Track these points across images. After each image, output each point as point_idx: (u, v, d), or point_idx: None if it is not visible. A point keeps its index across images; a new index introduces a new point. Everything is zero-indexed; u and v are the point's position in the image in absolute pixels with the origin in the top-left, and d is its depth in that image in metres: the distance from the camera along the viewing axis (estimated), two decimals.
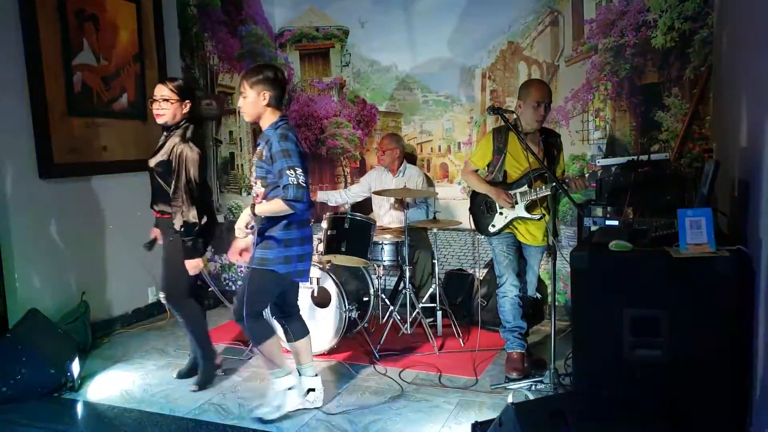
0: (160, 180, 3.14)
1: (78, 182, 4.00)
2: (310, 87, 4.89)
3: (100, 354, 3.83)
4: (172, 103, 3.06)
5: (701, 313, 2.34)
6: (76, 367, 3.31)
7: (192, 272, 3.10)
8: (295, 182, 2.57)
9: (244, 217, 2.70)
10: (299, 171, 2.60)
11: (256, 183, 2.75)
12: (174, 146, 3.04)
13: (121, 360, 3.72)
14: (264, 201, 2.71)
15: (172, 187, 3.03)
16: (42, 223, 3.78)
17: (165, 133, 3.16)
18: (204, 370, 3.33)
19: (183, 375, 3.42)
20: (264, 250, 2.75)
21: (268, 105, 2.70)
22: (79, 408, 3.14)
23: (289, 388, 2.91)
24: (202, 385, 3.28)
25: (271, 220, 2.73)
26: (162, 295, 3.28)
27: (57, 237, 3.87)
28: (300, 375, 3.01)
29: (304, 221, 2.82)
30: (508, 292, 3.35)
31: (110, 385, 3.36)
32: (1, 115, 3.55)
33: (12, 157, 3.61)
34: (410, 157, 4.61)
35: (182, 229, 3.01)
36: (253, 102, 2.68)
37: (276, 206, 2.62)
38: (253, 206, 2.69)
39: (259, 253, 2.76)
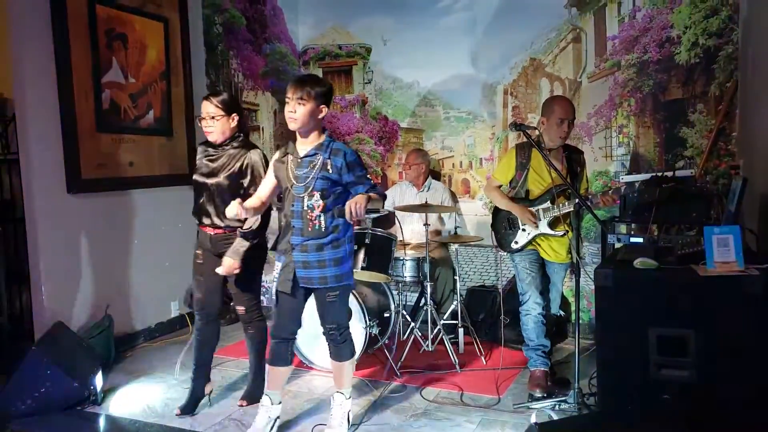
0: (221, 195, 3.01)
1: (105, 197, 4.07)
2: (333, 104, 4.92)
3: (123, 368, 3.86)
4: (217, 120, 2.98)
5: (730, 333, 2.30)
6: (99, 380, 3.33)
7: (224, 272, 2.95)
8: (374, 183, 2.72)
9: (363, 205, 2.50)
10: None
11: (312, 196, 2.64)
12: (244, 158, 3.00)
13: (144, 374, 3.74)
14: (322, 214, 2.65)
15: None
16: (69, 237, 3.84)
17: (212, 150, 3.07)
18: (257, 386, 3.22)
19: (186, 409, 3.22)
20: (338, 267, 2.71)
21: (320, 120, 2.68)
22: (102, 422, 3.16)
23: (349, 411, 2.90)
24: (255, 400, 3.13)
25: (336, 234, 2.69)
26: (241, 310, 3.18)
27: (83, 251, 3.93)
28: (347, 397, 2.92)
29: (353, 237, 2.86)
30: (531, 309, 3.31)
31: (133, 399, 3.38)
32: (32, 131, 3.63)
33: (42, 172, 3.68)
34: (434, 173, 4.61)
35: (248, 232, 2.94)
36: (311, 112, 2.61)
37: (378, 201, 2.66)
38: (368, 198, 2.54)
39: (334, 271, 2.70)
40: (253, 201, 2.79)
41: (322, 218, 2.64)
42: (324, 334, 2.85)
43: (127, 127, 4.23)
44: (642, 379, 2.43)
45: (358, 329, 3.60)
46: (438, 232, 4.38)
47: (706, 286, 2.34)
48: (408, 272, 4.00)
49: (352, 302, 3.60)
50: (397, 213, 4.47)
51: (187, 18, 4.67)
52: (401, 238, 4.37)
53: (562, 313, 3.83)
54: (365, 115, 4.84)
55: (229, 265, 2.93)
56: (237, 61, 4.94)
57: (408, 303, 4.43)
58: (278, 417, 2.88)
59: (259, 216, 2.91)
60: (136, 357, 4.08)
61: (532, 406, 3.09)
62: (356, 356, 2.89)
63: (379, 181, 4.86)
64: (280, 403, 2.88)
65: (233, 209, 2.62)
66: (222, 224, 3.03)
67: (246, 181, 3.00)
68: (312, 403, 3.27)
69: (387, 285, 4.02)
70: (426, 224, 3.85)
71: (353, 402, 3.24)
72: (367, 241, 3.77)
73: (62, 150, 3.78)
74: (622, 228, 3.52)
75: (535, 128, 3.23)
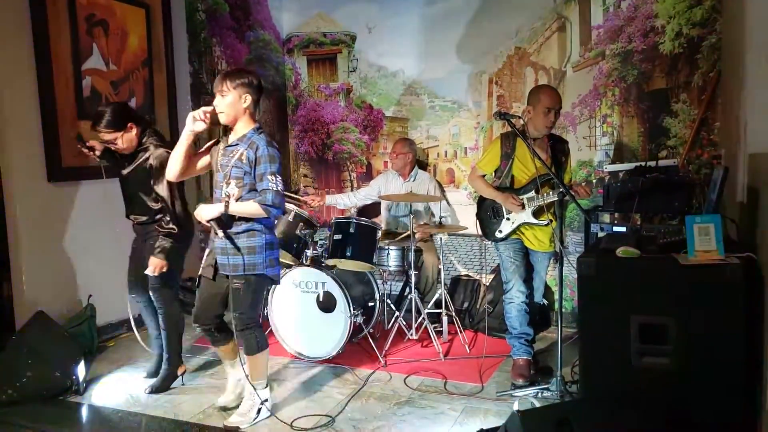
0: (136, 188, 3.19)
1: (86, 186, 4.01)
2: (317, 92, 4.90)
3: (105, 357, 3.84)
4: (117, 139, 3.09)
5: (710, 321, 2.32)
6: (81, 370, 3.31)
7: (151, 272, 3.11)
8: (274, 188, 2.65)
9: (213, 212, 2.66)
10: (279, 178, 2.69)
11: (228, 183, 2.70)
12: (150, 153, 3.12)
13: (127, 364, 3.72)
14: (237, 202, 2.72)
15: (160, 191, 3.08)
16: (50, 226, 3.80)
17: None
18: (165, 376, 3.34)
19: (152, 374, 3.43)
20: (251, 255, 2.76)
21: (247, 109, 2.72)
22: (84, 411, 3.14)
23: (265, 400, 2.93)
24: (158, 390, 3.29)
25: (251, 224, 2.74)
26: (152, 294, 3.27)
27: (65, 240, 3.89)
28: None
29: (274, 227, 2.91)
30: (515, 298, 3.33)
31: (115, 389, 3.36)
32: (11, 119, 3.57)
33: (21, 161, 3.63)
34: (421, 163, 4.61)
35: (166, 232, 3.10)
36: (233, 103, 2.67)
37: (250, 208, 2.66)
38: (226, 204, 2.65)
39: (247, 260, 2.75)
40: (182, 150, 2.76)
41: None
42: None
43: None
44: (623, 367, 2.45)
45: (342, 318, 3.60)
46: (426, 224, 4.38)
47: (687, 275, 2.36)
48: (392, 261, 4.00)
49: (337, 291, 3.60)
50: (383, 202, 4.47)
51: (169, 4, 4.60)
52: (386, 228, 4.37)
53: (545, 301, 3.86)
54: (350, 104, 4.82)
55: (156, 265, 3.09)
56: (220, 48, 4.88)
57: (393, 292, 4.43)
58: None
59: (178, 220, 3.09)
60: (118, 346, 4.05)
61: (515, 394, 3.12)
62: (266, 351, 2.93)
63: (363, 170, 4.84)
64: (237, 363, 3.02)
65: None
66: (141, 219, 3.24)
67: (152, 179, 3.11)
68: (301, 393, 3.27)
69: (371, 274, 4.02)
70: (410, 213, 3.85)
71: (337, 391, 3.26)
72: (351, 230, 3.76)
73: (42, 138, 3.73)
74: (605, 217, 3.55)
75: (520, 117, 3.23)
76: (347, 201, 4.56)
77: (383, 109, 4.74)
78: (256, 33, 4.87)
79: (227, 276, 2.79)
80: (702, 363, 2.34)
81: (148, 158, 3.11)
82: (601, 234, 3.37)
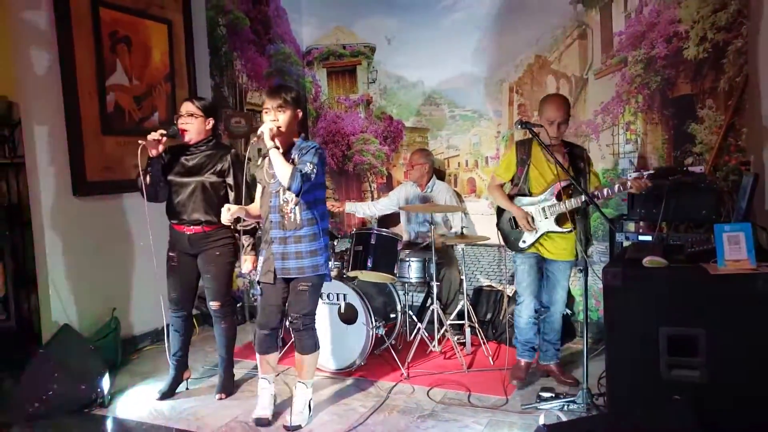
0: (204, 193, 3.23)
1: (111, 200, 4.07)
2: (338, 104, 4.92)
3: (129, 370, 3.86)
4: (196, 118, 3.21)
5: (741, 332, 2.26)
6: (106, 383, 3.34)
7: (247, 270, 3.25)
8: (308, 171, 2.72)
9: (266, 130, 2.71)
10: (315, 170, 2.75)
11: (286, 191, 2.80)
12: (225, 157, 3.24)
13: (151, 376, 3.74)
14: (296, 207, 2.83)
15: (237, 194, 3.17)
16: (75, 240, 3.84)
17: (187, 151, 3.28)
18: (229, 378, 3.45)
19: (165, 394, 3.42)
20: (314, 258, 2.89)
21: (297, 123, 2.87)
22: (109, 424, 3.16)
23: (310, 399, 3.08)
24: (230, 392, 3.40)
25: (312, 227, 2.88)
26: (216, 305, 3.31)
27: (90, 254, 3.93)
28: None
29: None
30: (524, 313, 3.39)
31: (139, 402, 3.38)
32: (38, 135, 3.63)
33: (47, 175, 3.69)
34: (439, 173, 4.58)
35: (250, 229, 3.22)
36: (293, 118, 2.83)
37: (285, 164, 2.72)
38: (274, 131, 2.73)
39: (310, 262, 2.88)
40: (242, 210, 2.92)
41: (296, 210, 2.83)
42: (289, 323, 3.01)
43: (132, 130, 4.22)
44: (652, 380, 2.39)
45: (364, 330, 3.58)
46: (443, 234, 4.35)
47: (718, 285, 2.30)
48: (414, 273, 3.98)
49: (358, 302, 3.59)
50: (402, 213, 4.45)
51: (191, 20, 4.66)
52: (407, 239, 4.35)
53: (568, 311, 3.82)
54: (370, 115, 4.82)
55: (252, 261, 3.22)
56: (241, 62, 4.93)
57: (414, 303, 4.40)
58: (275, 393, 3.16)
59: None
60: (142, 359, 4.08)
61: (540, 407, 3.06)
62: (319, 350, 3.09)
63: (384, 181, 4.84)
64: (274, 379, 3.13)
65: (225, 215, 2.84)
66: (203, 219, 3.22)
67: (230, 179, 3.23)
68: (323, 406, 3.24)
69: (393, 285, 4.00)
70: (431, 223, 3.82)
71: (359, 403, 3.24)
72: (372, 241, 3.75)
73: (68, 153, 3.79)
74: (630, 226, 3.48)
75: (541, 126, 3.20)
76: (366, 210, 4.56)
77: (403, 119, 4.74)
78: (276, 46, 4.91)
79: (284, 280, 2.92)
80: (734, 375, 2.28)
81: (225, 161, 3.22)
82: (626, 243, 3.31)
